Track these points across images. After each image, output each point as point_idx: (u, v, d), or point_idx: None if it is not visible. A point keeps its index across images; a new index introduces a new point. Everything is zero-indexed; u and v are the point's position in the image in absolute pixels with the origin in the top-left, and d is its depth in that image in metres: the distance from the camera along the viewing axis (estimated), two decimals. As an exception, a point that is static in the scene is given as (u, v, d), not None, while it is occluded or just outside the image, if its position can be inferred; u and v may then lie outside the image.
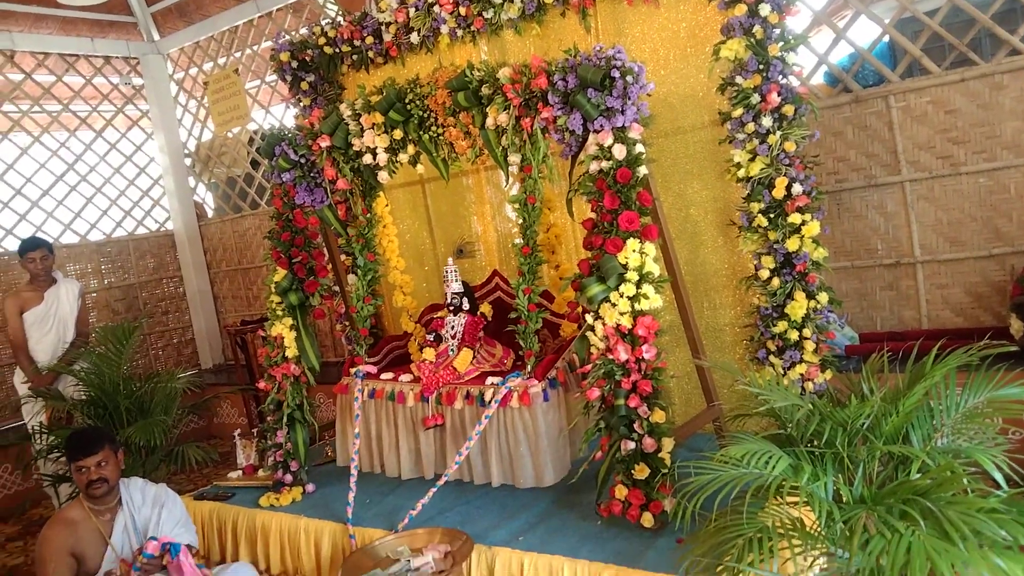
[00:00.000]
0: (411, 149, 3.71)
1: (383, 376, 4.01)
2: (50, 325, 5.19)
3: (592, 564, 2.74)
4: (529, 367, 3.52)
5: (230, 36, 7.39)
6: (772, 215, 3.43)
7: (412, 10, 4.46)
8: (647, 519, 2.90)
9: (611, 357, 2.96)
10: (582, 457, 3.28)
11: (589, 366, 3.07)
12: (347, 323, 4.70)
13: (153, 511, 3.26)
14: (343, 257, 4.56)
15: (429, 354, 3.86)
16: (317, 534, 3.57)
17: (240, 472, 4.36)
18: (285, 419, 4.02)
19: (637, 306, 2.96)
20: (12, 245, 6.67)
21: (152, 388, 4.88)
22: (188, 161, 8.10)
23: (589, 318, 3.06)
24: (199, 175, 8.14)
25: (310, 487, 4.00)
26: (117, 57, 7.79)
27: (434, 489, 3.45)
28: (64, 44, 7.33)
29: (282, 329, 4.06)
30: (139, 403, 4.79)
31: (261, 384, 4.17)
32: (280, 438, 4.01)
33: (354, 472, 3.71)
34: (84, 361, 4.95)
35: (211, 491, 4.26)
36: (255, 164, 7.41)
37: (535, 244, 3.46)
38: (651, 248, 3.01)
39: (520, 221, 3.46)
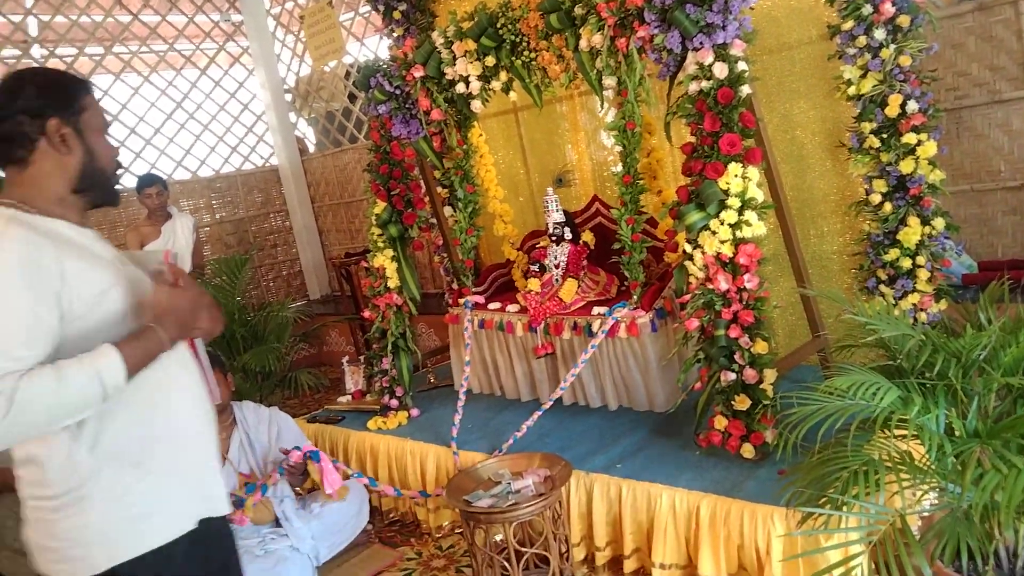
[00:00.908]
0: (503, 76, 3.66)
1: (491, 306, 4.08)
2: (168, 258, 5.47)
3: (690, 493, 2.75)
4: (635, 297, 3.49)
5: (324, -32, 7.40)
6: (885, 135, 3.23)
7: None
8: (747, 450, 2.88)
9: (711, 287, 2.90)
10: (685, 386, 3.27)
11: (688, 296, 3.02)
12: (445, 254, 4.77)
13: (270, 429, 3.49)
14: (439, 189, 4.60)
15: (534, 284, 3.89)
16: (422, 456, 3.72)
17: (349, 397, 4.56)
18: (390, 347, 4.17)
19: (739, 234, 2.87)
20: (129, 182, 7.03)
21: (265, 317, 5.13)
22: (288, 97, 8.26)
23: (688, 247, 2.99)
24: (299, 110, 8.30)
25: (415, 412, 4.15)
26: (217, -6, 7.95)
27: (539, 413, 3.54)
28: (167, -17, 7.53)
29: (383, 260, 4.17)
30: (253, 331, 5.05)
31: (366, 313, 4.32)
32: (385, 365, 4.17)
33: (462, 397, 3.83)
34: (201, 292, 5.21)
35: (322, 414, 4.48)
36: (352, 98, 7.49)
37: (636, 172, 3.39)
38: (754, 172, 2.90)
39: (619, 148, 3.38)
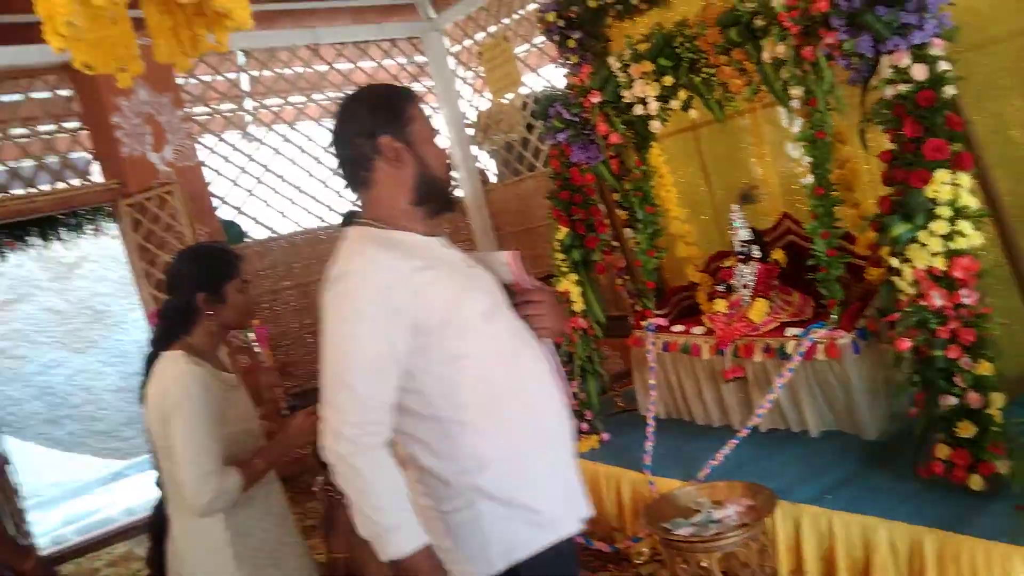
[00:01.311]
0: (682, 94, 3.62)
1: (674, 328, 4.00)
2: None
3: (912, 527, 2.54)
4: (834, 316, 3.30)
5: (497, 3, 7.65)
6: (1122, 127, 2.88)
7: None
8: (975, 481, 2.61)
9: (923, 304, 2.69)
10: (897, 411, 3.05)
11: (897, 314, 2.81)
12: (627, 277, 4.75)
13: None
14: (619, 211, 4.60)
15: (721, 305, 3.77)
16: (616, 481, 3.71)
17: (542, 420, 4.61)
18: (577, 371, 4.19)
19: (952, 245, 2.64)
20: (336, 220, 7.59)
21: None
22: (470, 131, 8.57)
23: (895, 261, 2.79)
24: (480, 143, 8.59)
25: (605, 436, 4.14)
26: (402, 39, 8.42)
27: (735, 441, 3.40)
28: (356, 33, 8.06)
29: (568, 285, 4.22)
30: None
31: (552, 338, 4.37)
32: (574, 388, 4.19)
33: (651, 423, 3.78)
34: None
35: (517, 437, 4.56)
36: (529, 127, 7.66)
37: (828, 183, 3.21)
38: (965, 178, 2.67)
39: (809, 160, 3.23)
